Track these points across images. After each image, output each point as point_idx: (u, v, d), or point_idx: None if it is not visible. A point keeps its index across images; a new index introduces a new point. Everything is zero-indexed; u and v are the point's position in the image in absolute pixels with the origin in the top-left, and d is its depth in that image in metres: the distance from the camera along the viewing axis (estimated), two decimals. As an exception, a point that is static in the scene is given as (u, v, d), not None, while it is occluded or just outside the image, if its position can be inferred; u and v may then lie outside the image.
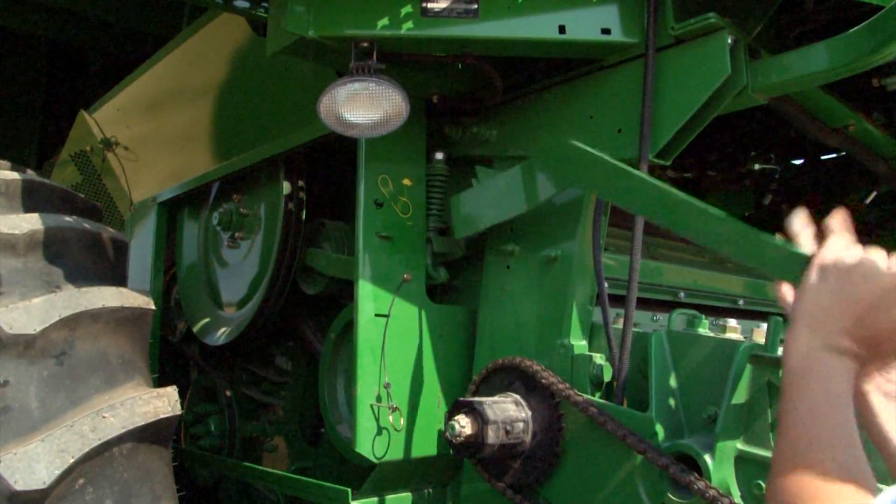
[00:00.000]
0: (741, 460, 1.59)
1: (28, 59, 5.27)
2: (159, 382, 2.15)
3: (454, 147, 2.39)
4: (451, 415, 1.89)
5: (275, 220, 2.75)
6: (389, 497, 2.22)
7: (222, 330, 3.06)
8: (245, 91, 2.87)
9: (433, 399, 2.22)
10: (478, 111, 2.35)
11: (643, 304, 2.29)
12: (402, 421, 2.13)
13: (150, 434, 1.91)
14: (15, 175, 2.23)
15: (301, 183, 2.73)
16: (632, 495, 1.73)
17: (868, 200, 3.23)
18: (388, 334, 2.13)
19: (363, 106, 1.94)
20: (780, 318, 1.56)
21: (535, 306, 2.09)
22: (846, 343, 0.96)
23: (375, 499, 2.20)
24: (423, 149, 2.37)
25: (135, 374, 2.02)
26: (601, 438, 1.79)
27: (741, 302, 2.90)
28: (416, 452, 2.17)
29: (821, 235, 1.12)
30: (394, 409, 2.12)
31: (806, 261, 1.08)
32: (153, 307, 2.14)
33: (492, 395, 1.99)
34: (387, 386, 2.11)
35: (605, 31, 1.93)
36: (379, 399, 2.10)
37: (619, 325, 1.86)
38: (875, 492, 0.85)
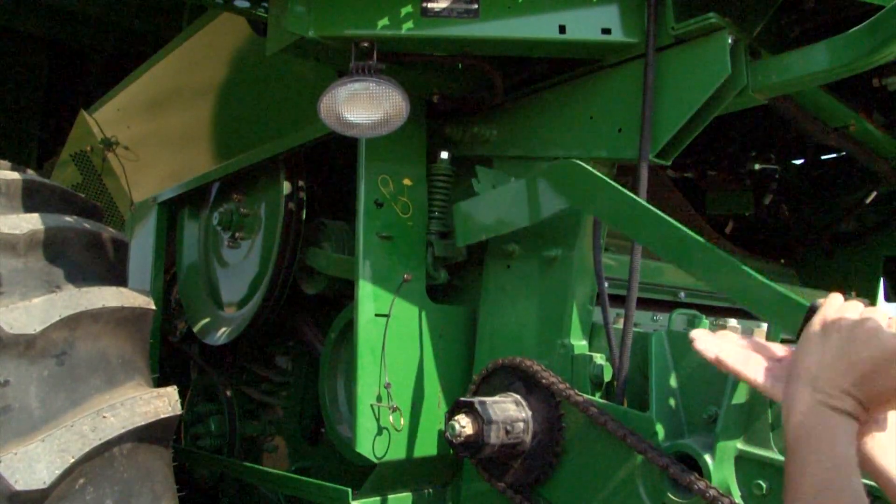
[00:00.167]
0: (741, 460, 1.59)
1: (28, 59, 5.26)
2: (159, 382, 2.15)
3: (454, 147, 2.39)
4: (451, 415, 1.89)
5: (275, 219, 2.75)
6: (390, 497, 2.22)
7: (222, 330, 3.06)
8: (245, 91, 2.87)
9: (433, 399, 2.22)
10: (478, 111, 2.35)
11: (643, 304, 2.30)
12: (403, 421, 2.13)
13: (150, 434, 1.91)
14: (15, 175, 2.23)
15: (301, 183, 2.73)
16: (632, 495, 1.73)
17: (868, 200, 3.23)
18: (389, 334, 2.13)
19: (363, 106, 1.94)
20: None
21: (535, 306, 2.09)
22: (848, 403, 0.96)
23: (376, 499, 2.19)
24: (423, 149, 2.37)
25: (135, 373, 2.02)
26: (601, 438, 1.79)
27: (741, 302, 2.90)
28: (417, 452, 2.17)
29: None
30: (394, 409, 2.12)
31: (805, 311, 1.09)
32: (153, 307, 2.14)
33: (492, 395, 1.99)
34: (387, 386, 2.11)
35: (606, 31, 1.93)
36: (379, 399, 2.10)
37: (620, 325, 1.85)
38: None
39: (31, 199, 2.23)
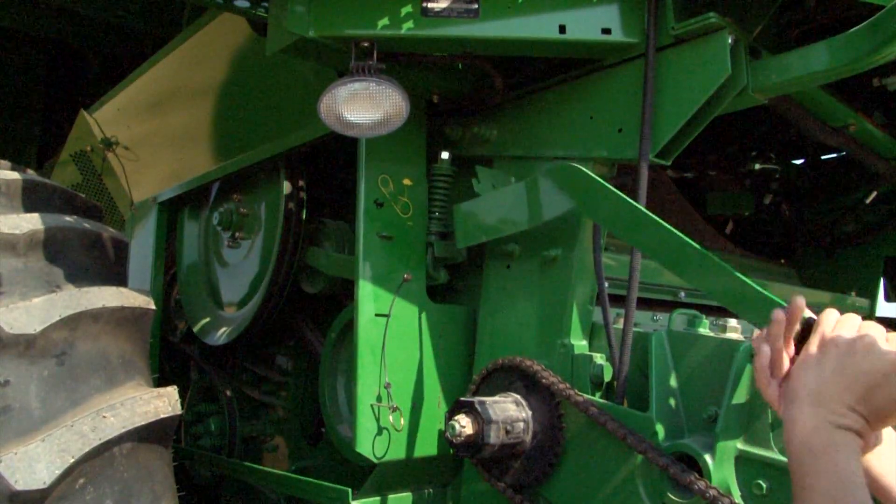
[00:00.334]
0: (741, 460, 1.59)
1: (28, 59, 5.26)
2: (159, 382, 2.15)
3: (454, 147, 2.39)
4: (451, 414, 1.89)
5: (275, 219, 2.75)
6: (390, 497, 2.22)
7: (223, 330, 3.06)
8: (245, 91, 2.87)
9: (434, 399, 2.22)
10: (478, 111, 2.35)
11: (643, 303, 2.30)
12: (403, 421, 2.13)
13: (150, 434, 1.91)
14: (15, 175, 2.23)
15: (301, 183, 2.73)
16: (632, 495, 1.73)
17: (868, 200, 3.24)
18: (389, 334, 2.13)
19: (363, 106, 1.94)
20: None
21: (535, 306, 2.09)
22: (851, 420, 0.97)
23: (376, 499, 2.19)
24: (423, 149, 2.37)
25: (135, 373, 2.02)
26: (601, 438, 1.79)
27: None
28: (417, 452, 2.17)
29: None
30: (394, 409, 2.12)
31: (802, 323, 1.09)
32: (153, 307, 2.14)
33: (492, 394, 1.99)
34: (387, 386, 2.11)
35: (606, 31, 1.93)
36: (379, 399, 2.10)
37: (620, 324, 1.86)
38: None
39: (31, 199, 2.23)
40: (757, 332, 1.14)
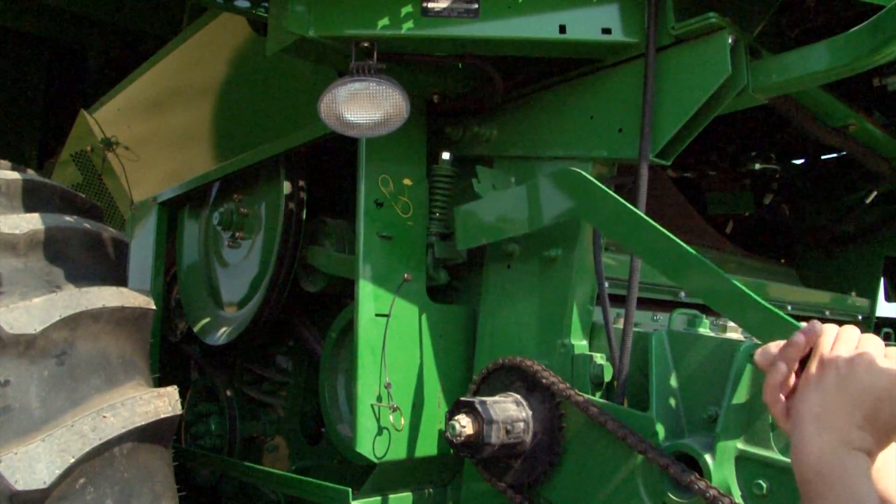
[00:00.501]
0: (742, 460, 1.59)
1: (28, 59, 5.26)
2: (159, 382, 2.15)
3: (454, 147, 2.39)
4: (451, 414, 1.89)
5: (275, 219, 2.75)
6: (390, 497, 2.22)
7: (223, 330, 3.06)
8: (245, 91, 2.87)
9: (434, 399, 2.22)
10: (478, 111, 2.35)
11: (643, 303, 2.30)
12: (403, 421, 2.13)
13: (150, 434, 1.91)
14: (15, 175, 2.23)
15: (301, 182, 2.73)
16: (632, 495, 1.73)
17: (868, 200, 3.24)
18: (389, 334, 2.13)
19: (363, 106, 1.94)
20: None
21: (535, 306, 2.09)
22: (861, 439, 0.96)
23: (376, 499, 2.19)
24: (423, 149, 2.37)
25: (135, 373, 2.02)
26: (602, 438, 1.79)
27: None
28: (417, 452, 2.17)
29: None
30: (394, 409, 2.12)
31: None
32: (153, 307, 2.14)
33: (492, 394, 1.99)
34: (387, 386, 2.11)
35: (606, 31, 1.93)
36: (379, 399, 2.11)
37: (620, 324, 1.86)
38: None
39: (31, 199, 2.23)
40: (772, 346, 1.11)
